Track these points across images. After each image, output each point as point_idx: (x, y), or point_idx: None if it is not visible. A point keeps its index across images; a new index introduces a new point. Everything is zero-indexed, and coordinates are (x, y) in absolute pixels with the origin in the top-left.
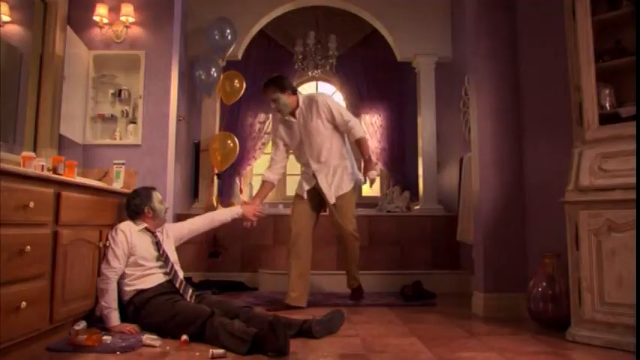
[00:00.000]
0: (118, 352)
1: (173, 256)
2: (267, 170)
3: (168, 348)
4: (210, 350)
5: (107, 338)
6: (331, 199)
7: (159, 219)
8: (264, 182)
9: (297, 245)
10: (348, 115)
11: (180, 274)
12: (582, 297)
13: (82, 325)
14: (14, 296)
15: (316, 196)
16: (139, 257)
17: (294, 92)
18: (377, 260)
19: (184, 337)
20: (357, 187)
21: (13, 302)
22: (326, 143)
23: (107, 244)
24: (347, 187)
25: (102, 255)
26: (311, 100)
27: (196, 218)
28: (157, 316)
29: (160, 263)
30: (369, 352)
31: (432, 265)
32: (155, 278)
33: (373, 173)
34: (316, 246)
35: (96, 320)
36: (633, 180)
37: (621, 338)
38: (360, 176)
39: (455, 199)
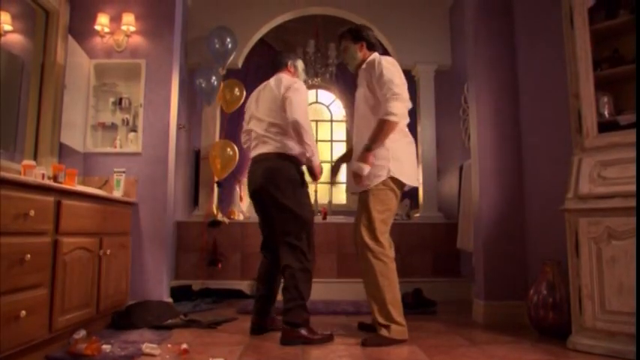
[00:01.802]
0: None
1: None
2: None
3: (167, 357)
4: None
5: (106, 347)
6: (350, 188)
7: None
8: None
9: None
10: (400, 88)
11: None
12: (583, 305)
13: (82, 334)
14: (14, 305)
15: None
16: None
17: (372, 47)
18: None
19: (184, 345)
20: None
21: (13, 311)
22: (364, 127)
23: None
24: (369, 181)
25: (102, 263)
26: (373, 60)
27: None
28: None
29: None
30: None
31: (433, 272)
32: None
33: (358, 166)
34: (317, 252)
35: (95, 329)
36: (633, 188)
37: (622, 347)
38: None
39: (455, 206)
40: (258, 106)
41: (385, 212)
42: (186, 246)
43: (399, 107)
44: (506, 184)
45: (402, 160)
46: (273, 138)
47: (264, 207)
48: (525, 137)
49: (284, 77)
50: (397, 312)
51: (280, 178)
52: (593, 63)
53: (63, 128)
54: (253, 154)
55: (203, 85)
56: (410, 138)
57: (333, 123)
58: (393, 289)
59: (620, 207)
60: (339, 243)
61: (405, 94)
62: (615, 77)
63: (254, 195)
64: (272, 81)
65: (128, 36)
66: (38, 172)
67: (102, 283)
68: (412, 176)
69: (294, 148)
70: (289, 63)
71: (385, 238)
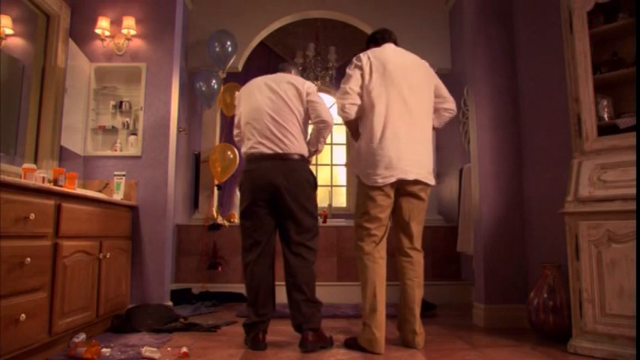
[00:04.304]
0: None
1: None
2: None
3: None
4: None
5: (106, 351)
6: None
7: None
8: None
9: None
10: (344, 81)
11: None
12: (583, 308)
13: (82, 337)
14: (14, 308)
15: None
16: None
17: (376, 43)
18: None
19: (184, 349)
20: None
21: (13, 314)
22: None
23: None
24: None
25: (102, 267)
26: None
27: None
28: None
29: None
30: None
31: (433, 275)
32: None
33: None
34: (317, 255)
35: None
36: (633, 191)
37: (623, 350)
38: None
39: (455, 209)
40: (273, 99)
41: (364, 215)
42: (186, 249)
43: (337, 102)
44: (506, 187)
45: (359, 157)
46: (291, 137)
47: (275, 208)
48: (525, 140)
49: (296, 77)
50: (366, 317)
51: (305, 181)
52: (592, 66)
53: (63, 131)
54: (265, 148)
55: (203, 88)
56: (369, 137)
57: (333, 126)
58: (364, 291)
59: (620, 210)
60: (339, 246)
61: (346, 85)
62: (615, 80)
63: (268, 193)
64: (283, 76)
65: (128, 39)
66: (38, 175)
67: (102, 287)
68: (367, 173)
69: (305, 149)
70: (293, 72)
71: (365, 238)
